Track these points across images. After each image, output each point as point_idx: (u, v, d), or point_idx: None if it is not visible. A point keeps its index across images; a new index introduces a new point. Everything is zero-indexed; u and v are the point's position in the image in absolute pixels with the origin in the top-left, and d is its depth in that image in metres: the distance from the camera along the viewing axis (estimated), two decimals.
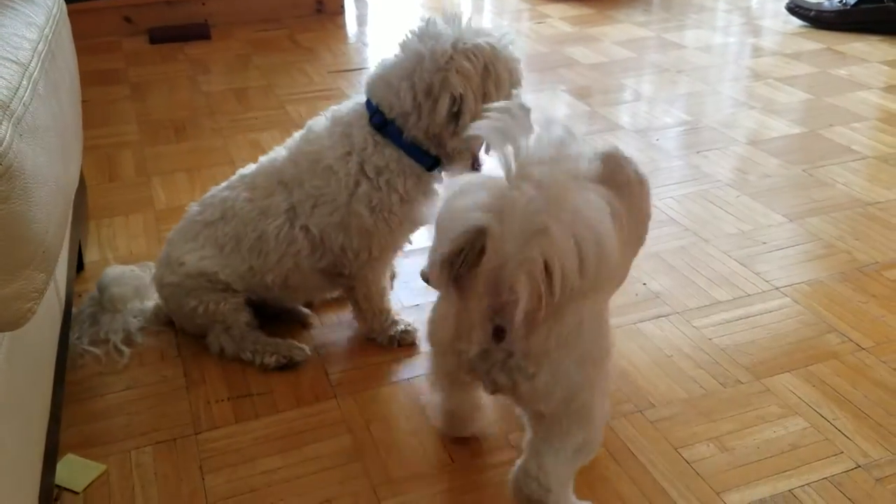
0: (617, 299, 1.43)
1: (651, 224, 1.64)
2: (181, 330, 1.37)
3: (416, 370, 1.28)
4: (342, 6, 3.26)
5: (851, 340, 1.32)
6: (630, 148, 2.00)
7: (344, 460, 1.11)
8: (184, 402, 1.22)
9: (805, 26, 2.95)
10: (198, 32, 2.95)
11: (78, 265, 1.53)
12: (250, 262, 1.28)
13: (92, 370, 1.29)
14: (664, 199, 1.76)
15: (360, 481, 1.07)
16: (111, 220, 1.73)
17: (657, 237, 1.62)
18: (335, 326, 1.39)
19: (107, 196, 1.83)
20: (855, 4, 2.85)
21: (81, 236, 1.53)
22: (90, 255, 1.59)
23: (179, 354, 1.32)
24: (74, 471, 1.09)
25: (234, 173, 1.34)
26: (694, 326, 1.36)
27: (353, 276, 1.29)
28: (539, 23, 3.13)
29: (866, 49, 2.70)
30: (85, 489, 1.07)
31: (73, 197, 1.12)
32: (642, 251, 1.18)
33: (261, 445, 1.14)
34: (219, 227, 1.29)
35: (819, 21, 2.92)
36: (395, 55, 1.20)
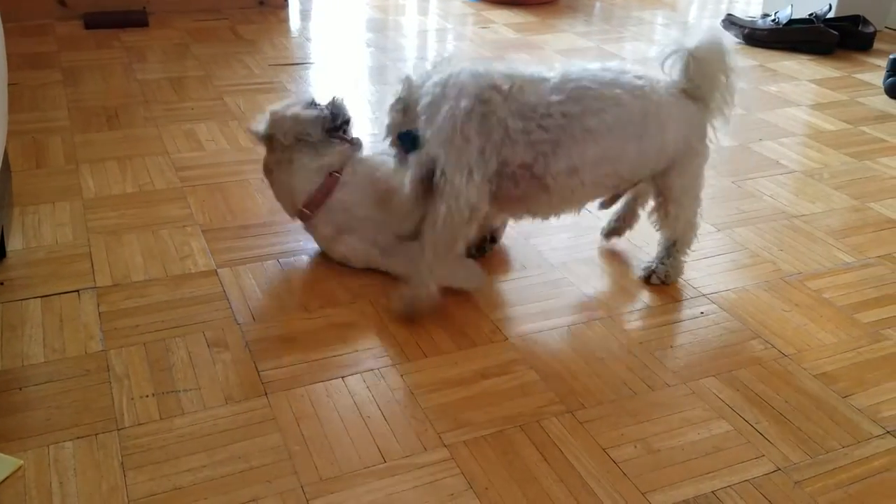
0: (552, 302, 1.45)
1: (583, 230, 1.68)
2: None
3: (352, 367, 1.27)
4: (286, 0, 3.22)
5: (774, 347, 1.36)
6: None
7: (272, 459, 1.09)
8: (106, 398, 1.18)
9: (739, 43, 3.03)
10: (135, 19, 2.88)
11: (0, 252, 1.47)
12: None
13: (12, 363, 1.24)
14: (595, 206, 1.78)
15: (289, 480, 1.06)
16: (37, 208, 1.67)
17: (590, 242, 1.65)
18: (270, 321, 1.37)
19: (33, 183, 1.77)
20: (787, 24, 2.95)
21: (4, 223, 1.48)
22: (13, 244, 1.54)
23: (104, 348, 1.28)
24: None
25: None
26: (624, 330, 1.38)
27: None
28: (483, 27, 3.14)
29: (797, 67, 2.79)
30: None
31: None
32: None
33: (186, 443, 1.11)
34: None
35: (752, 38, 3.01)
36: None
